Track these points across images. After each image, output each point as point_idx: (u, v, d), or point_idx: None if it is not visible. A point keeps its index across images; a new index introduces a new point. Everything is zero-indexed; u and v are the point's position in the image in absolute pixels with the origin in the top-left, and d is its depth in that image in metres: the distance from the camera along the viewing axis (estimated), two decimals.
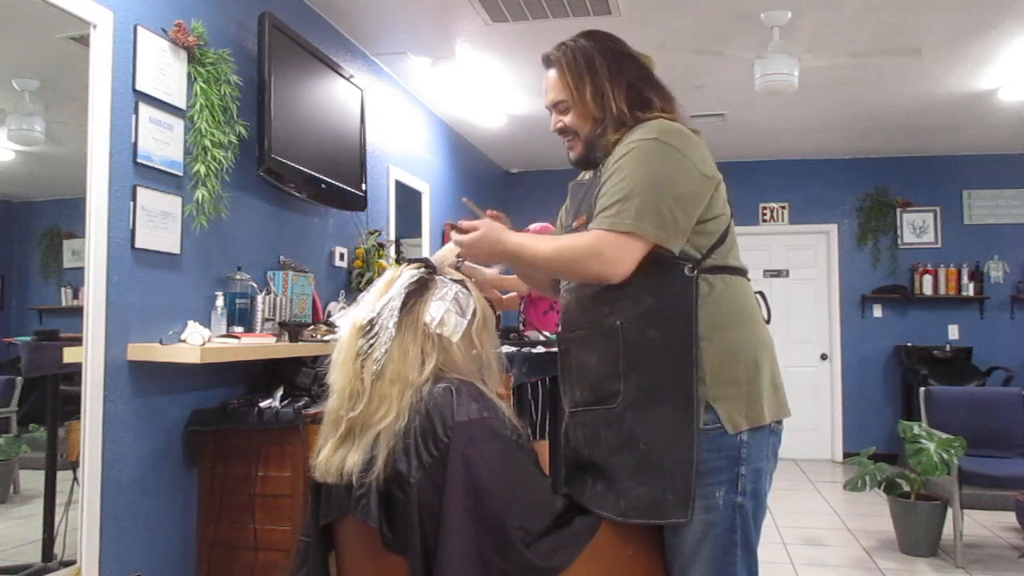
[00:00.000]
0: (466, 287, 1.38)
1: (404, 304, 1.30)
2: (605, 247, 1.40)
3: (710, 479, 1.41)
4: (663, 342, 1.43)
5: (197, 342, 2.39)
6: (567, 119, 1.59)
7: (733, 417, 1.42)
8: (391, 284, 1.35)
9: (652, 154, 1.44)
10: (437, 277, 1.37)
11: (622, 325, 1.45)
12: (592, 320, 1.51)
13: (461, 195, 5.82)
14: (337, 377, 1.30)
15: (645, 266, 1.42)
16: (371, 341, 1.28)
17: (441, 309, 1.32)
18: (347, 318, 1.35)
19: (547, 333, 3.41)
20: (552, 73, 1.61)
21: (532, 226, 4.09)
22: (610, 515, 1.42)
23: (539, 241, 1.51)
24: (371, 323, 1.30)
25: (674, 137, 1.45)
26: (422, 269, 1.38)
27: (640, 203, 1.40)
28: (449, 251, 1.48)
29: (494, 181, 6.94)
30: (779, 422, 1.52)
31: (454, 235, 1.51)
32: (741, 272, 1.53)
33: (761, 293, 1.59)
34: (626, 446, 1.44)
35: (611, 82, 1.54)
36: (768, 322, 1.56)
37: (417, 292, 1.33)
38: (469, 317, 1.34)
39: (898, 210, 6.47)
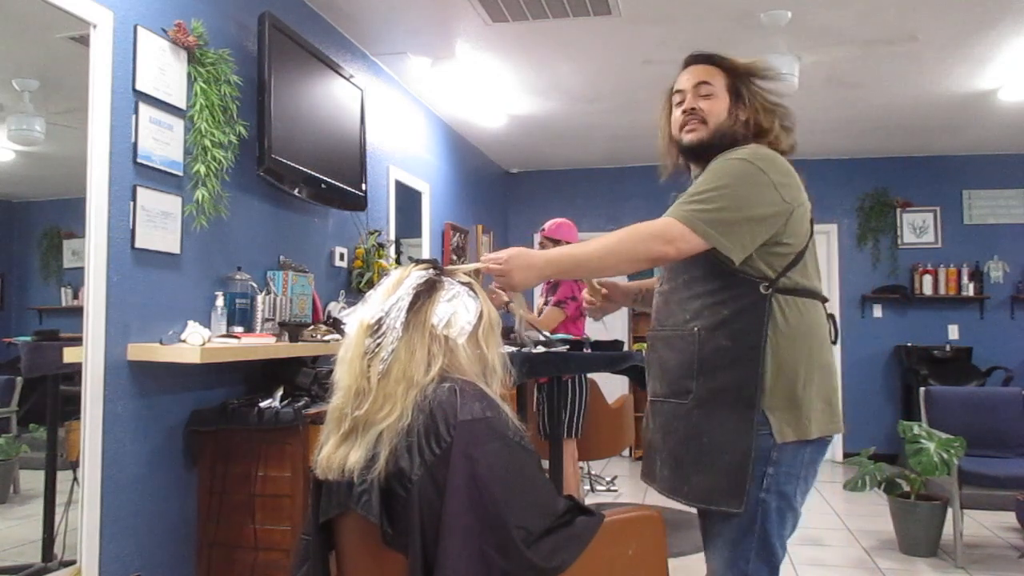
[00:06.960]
0: (473, 289, 1.38)
1: (412, 304, 1.30)
2: (673, 233, 1.55)
3: None
4: (733, 352, 1.58)
5: (197, 342, 2.39)
6: (705, 103, 1.70)
7: (782, 428, 1.56)
8: (399, 284, 1.34)
9: (742, 172, 1.59)
10: (445, 279, 1.37)
11: (699, 332, 1.62)
12: (676, 323, 1.68)
13: (461, 195, 5.82)
14: (343, 375, 1.30)
15: (726, 282, 1.59)
16: (378, 340, 1.28)
17: (449, 311, 1.32)
18: (355, 316, 1.34)
19: (546, 333, 3.40)
20: (704, 65, 1.73)
21: (548, 224, 4.09)
22: (680, 498, 1.62)
23: (592, 240, 1.61)
24: (379, 322, 1.30)
25: (765, 162, 1.60)
26: (431, 270, 1.38)
27: (717, 211, 1.54)
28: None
29: (494, 181, 6.94)
30: (827, 437, 1.64)
31: (490, 266, 1.57)
32: (815, 295, 1.65)
33: (832, 317, 1.70)
34: (692, 438, 1.62)
35: (763, 102, 1.71)
36: (834, 343, 1.68)
37: (425, 293, 1.33)
38: (475, 320, 1.34)
39: (898, 210, 6.47)
